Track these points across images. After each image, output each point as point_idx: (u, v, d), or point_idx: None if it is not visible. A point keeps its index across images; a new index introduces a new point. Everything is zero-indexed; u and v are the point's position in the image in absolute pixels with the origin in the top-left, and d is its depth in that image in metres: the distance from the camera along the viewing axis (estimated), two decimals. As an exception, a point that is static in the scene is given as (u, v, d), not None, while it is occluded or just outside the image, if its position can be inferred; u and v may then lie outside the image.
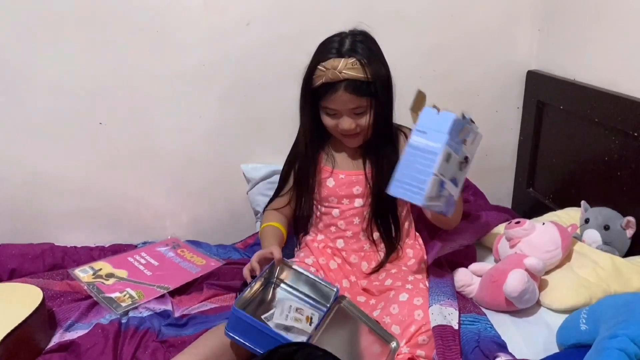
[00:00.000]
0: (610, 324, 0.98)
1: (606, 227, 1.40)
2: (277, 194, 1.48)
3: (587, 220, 1.45)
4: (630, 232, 1.38)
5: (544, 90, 1.74)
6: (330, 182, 1.41)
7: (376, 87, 1.26)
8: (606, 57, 1.52)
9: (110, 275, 1.50)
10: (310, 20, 1.65)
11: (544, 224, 1.41)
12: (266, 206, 1.51)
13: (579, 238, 1.45)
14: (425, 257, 1.41)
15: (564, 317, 1.22)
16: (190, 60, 1.63)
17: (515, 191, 1.98)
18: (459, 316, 1.22)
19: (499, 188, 1.98)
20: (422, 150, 1.13)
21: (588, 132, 1.55)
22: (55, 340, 1.26)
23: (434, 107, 1.16)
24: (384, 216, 1.39)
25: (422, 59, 1.74)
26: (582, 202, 1.51)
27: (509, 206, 1.97)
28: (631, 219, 1.37)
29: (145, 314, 1.36)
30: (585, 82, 1.58)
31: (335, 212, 1.41)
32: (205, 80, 1.65)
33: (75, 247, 1.65)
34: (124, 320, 1.32)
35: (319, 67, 1.25)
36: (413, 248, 1.43)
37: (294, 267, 1.28)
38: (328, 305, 1.24)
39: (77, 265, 1.54)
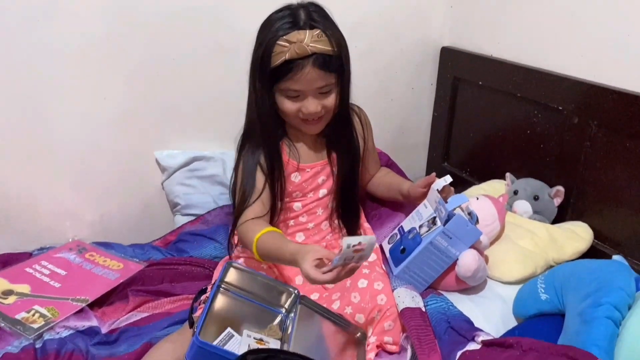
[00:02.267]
0: (582, 293, 1.01)
1: (536, 198, 1.46)
2: (245, 202, 1.19)
3: (516, 192, 1.50)
4: (558, 201, 1.46)
5: (460, 66, 1.77)
6: (296, 177, 1.27)
7: (342, 60, 1.15)
8: (519, 33, 1.57)
9: (8, 293, 1.25)
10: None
11: (477, 198, 1.43)
12: (236, 221, 1.20)
13: (508, 209, 1.50)
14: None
15: (515, 288, 1.25)
16: (91, 31, 1.38)
17: (429, 166, 2.02)
18: (423, 299, 1.19)
19: (413, 164, 2.00)
20: (441, 251, 1.20)
21: (509, 107, 1.60)
22: (-48, 381, 1.02)
23: (469, 213, 1.22)
24: (347, 201, 1.31)
25: (345, 36, 1.67)
26: (508, 174, 1.57)
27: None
28: (560, 188, 1.44)
29: (65, 333, 1.16)
30: (501, 57, 1.63)
31: (297, 205, 1.29)
32: (109, 55, 1.42)
33: (-50, 261, 1.36)
34: (38, 345, 1.11)
35: (279, 42, 1.09)
36: (365, 229, 1.38)
37: (246, 269, 1.15)
38: (286, 307, 1.15)
39: (-41, 284, 1.26)
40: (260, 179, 1.21)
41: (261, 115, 1.19)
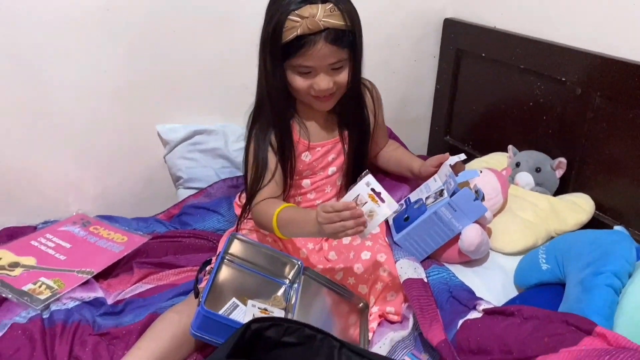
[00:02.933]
0: (583, 262, 1.01)
1: (537, 170, 1.46)
2: (259, 182, 1.19)
3: (518, 164, 1.50)
4: (560, 173, 1.46)
5: (463, 38, 1.75)
6: (306, 157, 1.26)
7: (354, 35, 1.12)
8: (522, 4, 1.55)
9: (14, 265, 1.26)
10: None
11: (481, 172, 1.42)
12: (249, 202, 1.19)
13: (510, 181, 1.50)
14: None
15: (516, 259, 1.26)
16: (91, 3, 1.37)
17: (431, 140, 2.01)
18: (425, 270, 1.20)
19: (415, 137, 1.99)
20: (444, 223, 1.20)
21: (512, 79, 1.59)
22: (-38, 350, 1.03)
23: (475, 191, 1.21)
24: (355, 176, 1.31)
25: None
26: (510, 147, 1.57)
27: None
28: (563, 160, 1.44)
29: (71, 304, 1.17)
30: (504, 29, 1.61)
31: (306, 182, 1.29)
32: (110, 28, 1.41)
33: (-45, 235, 1.37)
34: (45, 316, 1.12)
35: (291, 17, 1.06)
36: None
37: (250, 241, 1.16)
38: (290, 278, 1.16)
39: (-35, 256, 1.27)
40: (272, 159, 1.20)
41: (271, 93, 1.16)
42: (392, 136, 1.64)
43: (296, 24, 1.06)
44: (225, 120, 1.62)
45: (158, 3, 1.43)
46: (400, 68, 1.86)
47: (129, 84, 1.49)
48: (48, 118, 1.44)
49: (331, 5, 1.07)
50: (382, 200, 0.99)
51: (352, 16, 1.11)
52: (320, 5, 1.06)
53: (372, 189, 0.99)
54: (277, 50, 1.10)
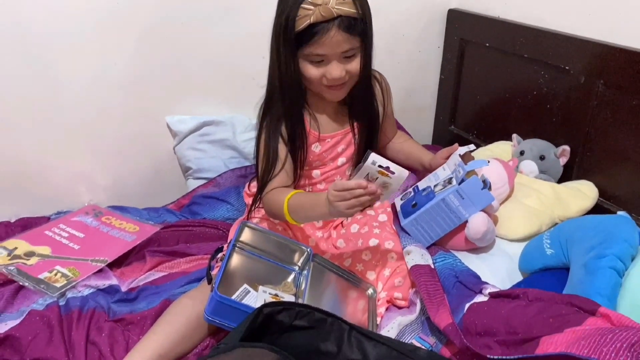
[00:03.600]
0: (586, 246, 1.03)
1: (541, 157, 1.48)
2: (269, 172, 1.20)
3: (522, 152, 1.52)
4: (564, 160, 1.47)
5: (467, 28, 1.77)
6: (316, 147, 1.28)
7: (366, 23, 1.13)
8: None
9: (30, 254, 1.29)
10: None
11: (489, 162, 1.44)
12: (260, 192, 1.22)
13: (515, 170, 1.52)
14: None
15: (521, 245, 1.28)
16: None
17: (436, 130, 2.03)
18: (431, 257, 1.22)
19: (420, 126, 2.01)
20: (452, 210, 1.22)
21: (516, 68, 1.61)
22: (-17, 336, 1.06)
23: (483, 181, 1.22)
24: None
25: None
26: (514, 135, 1.58)
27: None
28: (566, 147, 1.46)
29: (87, 292, 1.20)
30: (508, 18, 1.62)
31: (316, 172, 1.31)
32: (119, 20, 1.43)
33: (-28, 225, 1.40)
34: (62, 303, 1.16)
35: (304, 5, 1.07)
36: None
37: (260, 229, 1.19)
38: (299, 265, 1.19)
39: (-18, 246, 1.30)
40: (282, 149, 1.22)
41: (284, 83, 1.17)
42: (398, 126, 1.66)
43: (309, 12, 1.07)
44: (233, 111, 1.64)
45: (167, -5, 1.45)
46: (404, 58, 1.87)
47: (138, 76, 1.51)
48: (59, 110, 1.46)
49: None
50: (392, 172, 1.01)
51: (363, 4, 1.12)
52: None
53: (380, 166, 1.01)
54: (290, 40, 1.11)
